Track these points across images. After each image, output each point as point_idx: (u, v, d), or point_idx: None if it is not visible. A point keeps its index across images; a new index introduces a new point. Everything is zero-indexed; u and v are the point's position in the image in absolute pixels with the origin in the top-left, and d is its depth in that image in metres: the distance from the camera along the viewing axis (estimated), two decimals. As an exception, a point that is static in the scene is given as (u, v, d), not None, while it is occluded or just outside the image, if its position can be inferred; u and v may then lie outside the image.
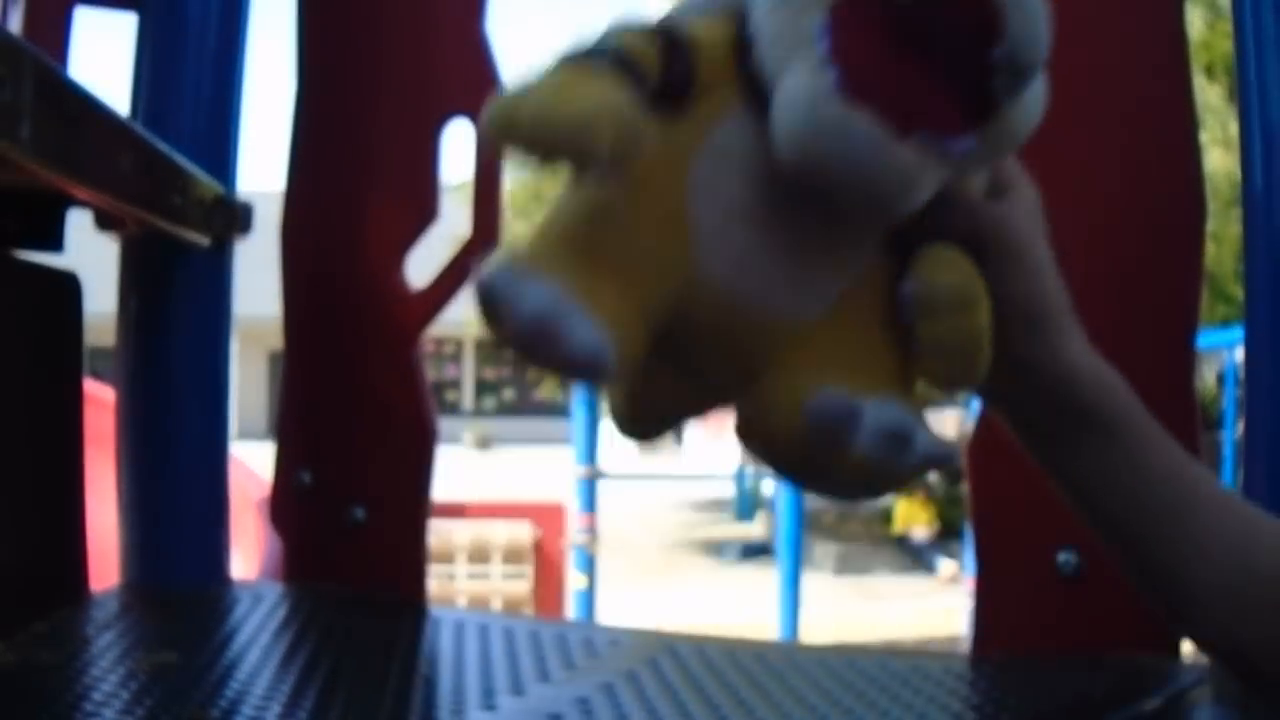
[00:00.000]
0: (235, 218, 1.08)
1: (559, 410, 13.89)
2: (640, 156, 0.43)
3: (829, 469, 0.49)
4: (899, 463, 0.48)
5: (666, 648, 0.94)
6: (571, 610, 4.51)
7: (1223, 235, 5.91)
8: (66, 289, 0.99)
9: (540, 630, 1.00)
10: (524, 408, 19.54)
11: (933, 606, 6.25)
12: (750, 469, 10.09)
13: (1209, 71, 6.91)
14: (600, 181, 0.45)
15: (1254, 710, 0.71)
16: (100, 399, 1.16)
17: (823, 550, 7.95)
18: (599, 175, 0.45)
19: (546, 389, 10.37)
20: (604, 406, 0.53)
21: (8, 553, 0.88)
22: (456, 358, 20.04)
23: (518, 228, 9.35)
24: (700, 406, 0.52)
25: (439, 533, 4.01)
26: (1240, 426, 0.96)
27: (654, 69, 0.45)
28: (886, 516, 9.44)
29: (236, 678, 0.77)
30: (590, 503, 4.73)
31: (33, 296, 0.95)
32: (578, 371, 0.44)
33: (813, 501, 7.91)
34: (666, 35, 0.46)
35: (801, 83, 0.43)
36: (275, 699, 0.75)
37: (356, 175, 1.16)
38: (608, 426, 6.95)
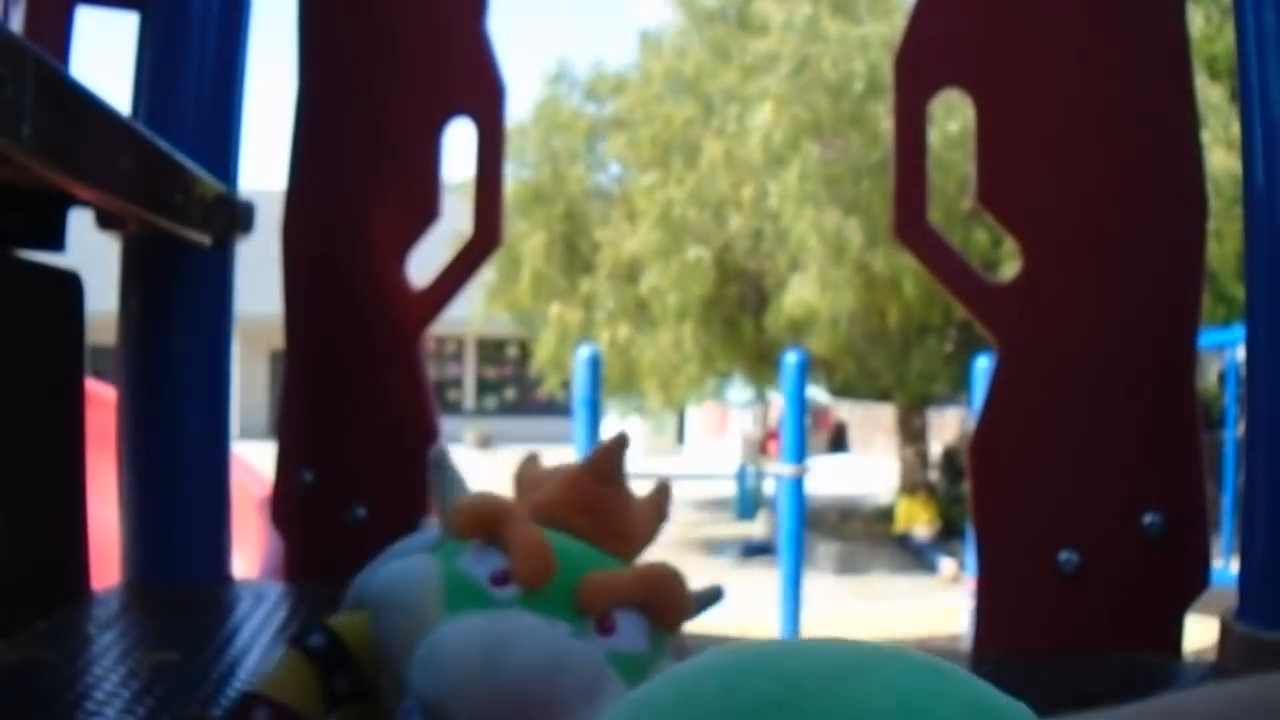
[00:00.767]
0: (236, 217, 1.08)
1: (560, 410, 13.90)
2: None
3: None
4: None
5: (667, 647, 0.94)
6: (572, 609, 4.50)
7: (1224, 235, 5.92)
8: (68, 288, 0.99)
9: (541, 629, 1.00)
10: (525, 407, 19.53)
11: (934, 605, 6.26)
12: (752, 467, 10.10)
13: (1211, 71, 6.91)
14: None
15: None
16: (101, 398, 1.16)
17: (824, 550, 7.95)
18: None
19: (548, 388, 10.37)
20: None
21: (9, 551, 0.88)
22: (458, 357, 20.02)
23: (518, 227, 9.37)
24: None
25: (440, 532, 3.99)
26: (1241, 426, 0.96)
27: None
28: (888, 516, 9.46)
29: (238, 677, 0.77)
30: (591, 502, 4.71)
31: (34, 295, 0.95)
32: None
33: (814, 501, 7.91)
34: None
35: None
36: (276, 698, 0.75)
37: (358, 174, 1.16)
38: (609, 426, 6.95)
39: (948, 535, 8.50)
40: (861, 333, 8.46)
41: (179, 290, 1.08)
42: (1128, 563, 0.94)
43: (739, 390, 11.57)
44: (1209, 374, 7.68)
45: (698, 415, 15.78)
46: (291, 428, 1.17)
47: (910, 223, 1.02)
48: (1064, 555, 0.95)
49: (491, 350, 19.69)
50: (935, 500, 9.08)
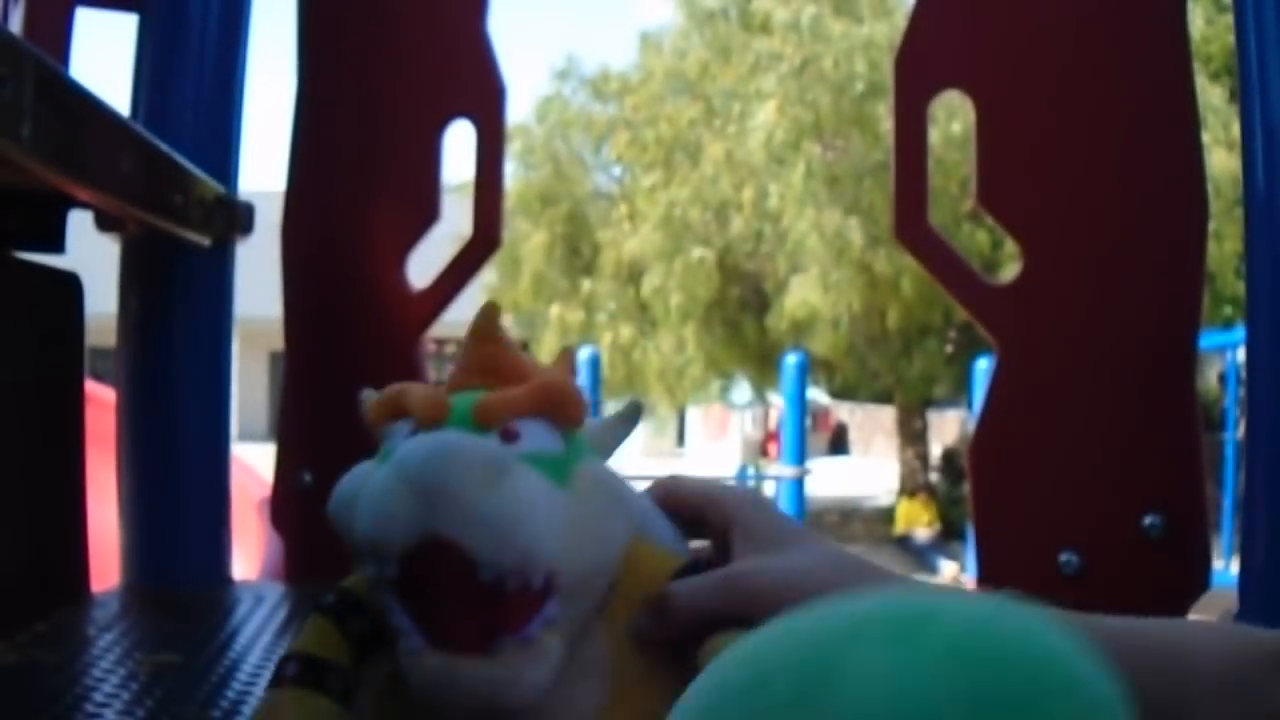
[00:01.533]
0: (236, 218, 1.08)
1: (561, 410, 13.85)
2: None
3: None
4: None
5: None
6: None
7: (1224, 235, 5.92)
8: (67, 289, 0.99)
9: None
10: (526, 408, 19.47)
11: (934, 607, 6.24)
12: (752, 469, 10.10)
13: (1210, 70, 6.91)
14: None
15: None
16: (101, 399, 1.16)
17: (824, 551, 7.93)
18: None
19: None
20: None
21: (9, 552, 0.88)
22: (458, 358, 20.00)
23: (519, 227, 9.37)
24: None
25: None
26: (1242, 428, 0.96)
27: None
28: (888, 517, 9.45)
29: (238, 678, 0.77)
30: (592, 503, 4.71)
31: (34, 297, 0.95)
32: None
33: (814, 502, 7.90)
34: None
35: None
36: (276, 699, 0.75)
37: (358, 175, 1.16)
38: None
39: (948, 537, 8.49)
40: (862, 334, 8.46)
41: (179, 291, 1.08)
42: (1128, 564, 0.94)
43: (741, 392, 11.57)
44: (1209, 375, 7.68)
45: (698, 417, 15.76)
46: (291, 429, 1.17)
47: (910, 224, 1.02)
48: (1064, 557, 0.94)
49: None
50: (935, 502, 9.07)
